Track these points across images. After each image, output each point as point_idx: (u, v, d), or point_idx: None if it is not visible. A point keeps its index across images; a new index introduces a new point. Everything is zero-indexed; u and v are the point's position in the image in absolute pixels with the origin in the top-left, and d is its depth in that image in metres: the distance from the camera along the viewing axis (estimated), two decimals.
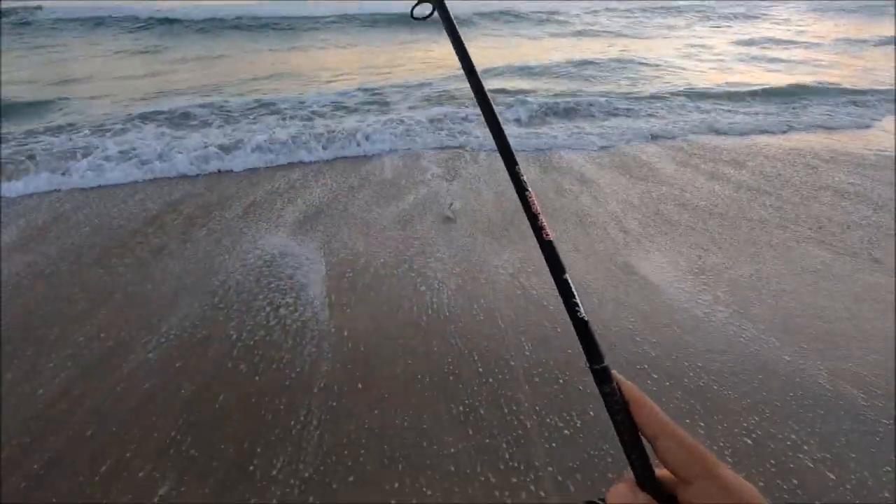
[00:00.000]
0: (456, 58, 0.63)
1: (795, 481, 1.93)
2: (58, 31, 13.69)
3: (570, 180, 4.83)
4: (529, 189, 0.53)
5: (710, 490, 0.38)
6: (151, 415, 2.26)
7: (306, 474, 1.97)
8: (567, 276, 0.49)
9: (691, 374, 2.45)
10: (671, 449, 0.41)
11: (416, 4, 0.67)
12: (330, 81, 8.92)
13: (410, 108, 7.27)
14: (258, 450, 2.08)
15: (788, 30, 16.11)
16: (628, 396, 0.45)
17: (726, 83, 8.71)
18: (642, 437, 0.44)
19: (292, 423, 2.20)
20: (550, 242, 0.50)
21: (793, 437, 2.10)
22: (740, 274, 3.29)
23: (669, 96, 7.80)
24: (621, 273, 3.28)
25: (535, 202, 0.52)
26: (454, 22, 0.63)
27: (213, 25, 14.26)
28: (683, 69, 10.11)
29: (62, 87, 8.40)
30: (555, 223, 3.93)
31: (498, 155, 0.56)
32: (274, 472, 1.98)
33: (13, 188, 4.60)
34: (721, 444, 2.07)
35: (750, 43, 13.51)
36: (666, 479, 0.42)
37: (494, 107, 0.57)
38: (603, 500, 0.45)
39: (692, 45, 13.21)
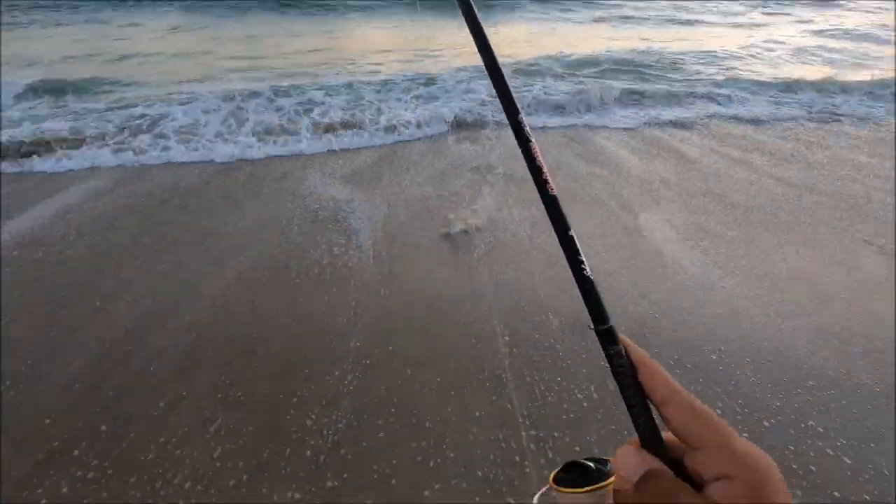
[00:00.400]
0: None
1: (813, 468, 1.97)
2: (99, 6, 13.89)
3: (596, 163, 4.84)
4: (533, 140, 0.48)
5: (721, 459, 0.37)
6: (207, 356, 2.50)
7: (340, 424, 2.13)
8: (572, 232, 0.46)
9: (713, 358, 2.50)
10: (680, 415, 0.39)
11: None
12: (379, 63, 9.02)
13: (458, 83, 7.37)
14: (294, 400, 2.25)
15: (865, 19, 15.06)
16: (636, 360, 0.43)
17: (776, 74, 8.38)
18: (650, 402, 0.42)
19: (327, 378, 2.37)
20: (554, 197, 0.47)
21: (811, 423, 2.13)
22: (767, 262, 3.29)
23: (711, 85, 7.59)
24: (652, 258, 3.31)
25: (539, 154, 0.48)
26: None
27: (253, 4, 14.31)
28: (734, 58, 9.71)
29: (115, 64, 8.72)
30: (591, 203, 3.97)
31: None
32: (308, 423, 2.14)
33: (75, 161, 4.87)
34: (740, 427, 2.12)
35: (818, 33, 12.76)
36: (672, 444, 0.41)
37: (496, 54, 0.51)
38: (589, 459, 0.45)
39: (751, 34, 12.60)
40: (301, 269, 3.17)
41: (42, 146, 5.03)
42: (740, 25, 14.01)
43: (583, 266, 0.46)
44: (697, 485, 0.38)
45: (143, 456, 1.99)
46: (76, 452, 2.01)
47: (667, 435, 0.42)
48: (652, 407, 0.43)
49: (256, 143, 5.30)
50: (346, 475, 1.94)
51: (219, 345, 2.57)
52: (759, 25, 14.01)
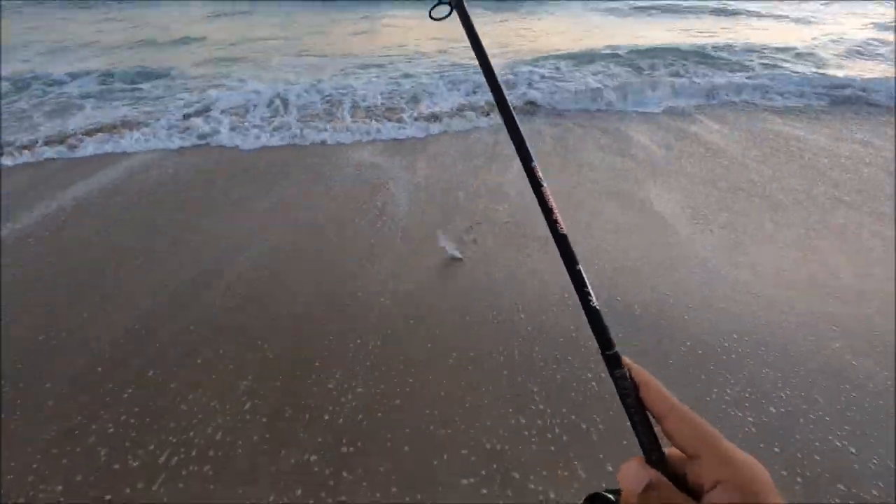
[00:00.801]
0: (476, 53, 0.62)
1: (818, 457, 1.98)
2: None
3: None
4: (545, 184, 0.53)
5: (714, 465, 0.39)
6: (241, 318, 2.72)
7: (359, 390, 2.27)
8: (580, 266, 0.50)
9: (725, 345, 2.53)
10: (678, 427, 0.42)
11: (435, 6, 0.67)
12: (420, 51, 9.07)
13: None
14: (316, 364, 2.41)
15: None
16: (638, 379, 0.46)
17: (824, 69, 8.01)
18: (651, 417, 0.46)
19: (349, 345, 2.52)
20: (564, 236, 0.51)
21: (820, 412, 2.14)
22: (779, 254, 3.30)
23: (752, 77, 7.38)
24: (669, 248, 3.33)
25: (551, 197, 0.53)
26: (472, 22, 0.63)
27: None
28: (782, 51, 9.26)
29: (161, 50, 9.04)
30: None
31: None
32: (330, 385, 2.29)
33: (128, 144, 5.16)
34: (746, 414, 2.15)
35: (878, 27, 11.94)
36: (674, 458, 0.44)
37: (511, 106, 0.57)
38: (608, 491, 0.48)
39: (807, 28, 11.95)
40: (330, 244, 3.35)
41: (103, 130, 5.35)
42: (796, 18, 13.36)
43: (590, 297, 0.50)
44: (698, 495, 0.41)
45: (182, 405, 2.19)
46: (125, 395, 2.24)
47: (670, 450, 0.45)
48: (654, 423, 0.46)
49: (299, 128, 5.48)
50: (359, 443, 2.05)
51: (252, 310, 2.76)
52: (817, 19, 13.28)
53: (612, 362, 0.48)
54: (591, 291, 0.50)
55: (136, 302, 2.82)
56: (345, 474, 1.94)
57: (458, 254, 3.23)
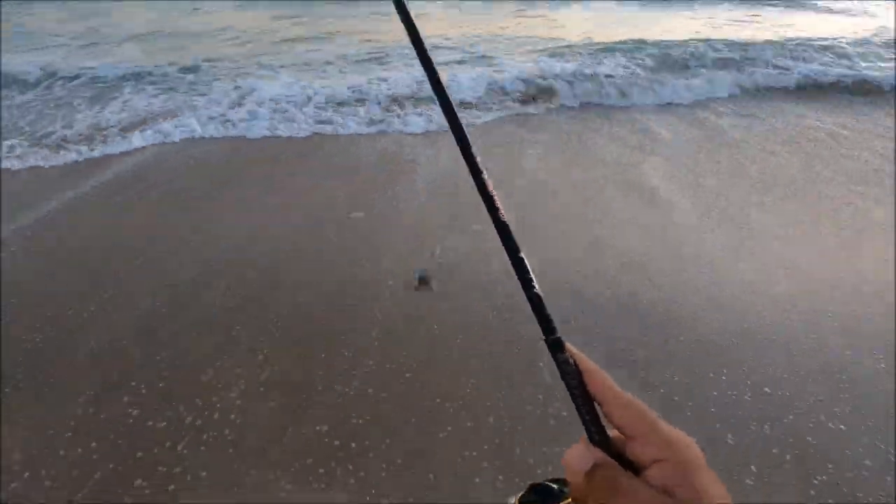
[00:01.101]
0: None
1: (810, 439, 2.04)
2: None
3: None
4: (484, 171, 0.53)
5: (654, 444, 0.43)
6: (257, 300, 2.85)
7: (371, 362, 2.40)
8: (522, 254, 0.51)
9: (727, 333, 2.61)
10: (617, 410, 0.45)
11: None
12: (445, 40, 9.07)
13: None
14: (331, 339, 2.55)
15: None
16: (581, 366, 0.48)
17: (848, 66, 7.72)
18: (595, 403, 0.47)
19: (363, 321, 2.66)
20: (505, 224, 0.52)
21: (815, 395, 2.21)
22: (783, 247, 3.34)
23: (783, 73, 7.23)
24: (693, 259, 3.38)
25: (490, 185, 0.53)
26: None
27: None
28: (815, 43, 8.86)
29: (196, 41, 9.18)
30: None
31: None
32: (343, 358, 2.43)
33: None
34: (742, 392, 2.23)
35: None
36: (616, 440, 0.46)
37: (446, 88, 0.56)
38: (551, 480, 0.51)
39: (846, 21, 11.44)
40: (330, 243, 3.45)
41: (126, 129, 5.39)
42: (838, 10, 12.77)
43: (532, 284, 0.50)
44: (637, 471, 0.43)
45: (203, 376, 2.36)
46: (158, 358, 2.43)
47: (612, 433, 0.47)
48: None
49: (322, 120, 5.58)
50: (368, 416, 2.16)
51: (273, 292, 2.91)
52: (864, 12, 12.64)
53: (555, 347, 0.48)
54: (533, 278, 0.50)
55: (136, 302, 2.88)
56: (353, 445, 2.04)
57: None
